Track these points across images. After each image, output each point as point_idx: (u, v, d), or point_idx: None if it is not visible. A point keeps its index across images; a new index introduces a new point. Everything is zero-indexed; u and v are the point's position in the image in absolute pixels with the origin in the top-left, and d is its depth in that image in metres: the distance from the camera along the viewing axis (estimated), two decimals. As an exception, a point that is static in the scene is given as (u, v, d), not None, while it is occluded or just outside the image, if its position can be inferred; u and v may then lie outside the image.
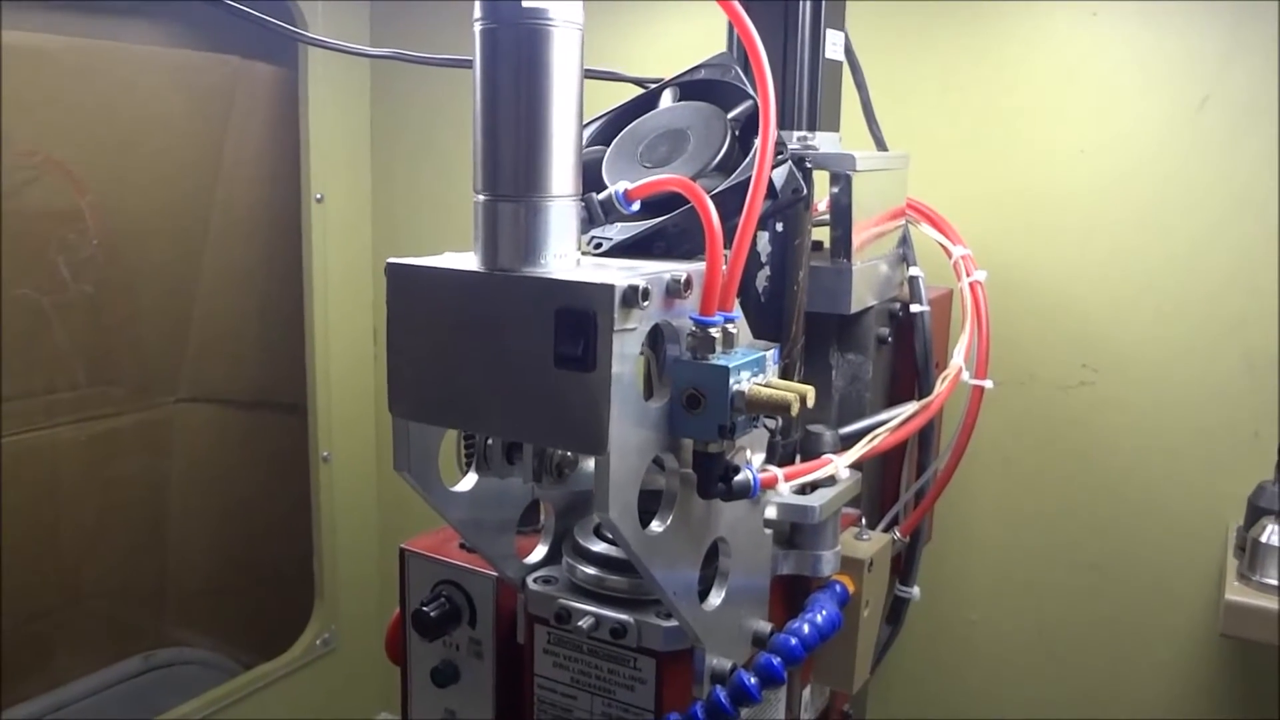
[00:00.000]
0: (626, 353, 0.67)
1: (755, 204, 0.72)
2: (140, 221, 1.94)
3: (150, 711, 1.83)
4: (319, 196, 1.88)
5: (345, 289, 1.97)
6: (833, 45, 1.05)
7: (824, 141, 1.04)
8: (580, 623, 0.84)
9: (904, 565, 1.24)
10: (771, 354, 0.76)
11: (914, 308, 1.18)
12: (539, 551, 0.93)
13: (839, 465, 0.86)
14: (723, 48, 1.00)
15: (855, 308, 1.07)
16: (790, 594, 0.97)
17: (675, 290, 0.70)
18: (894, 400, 1.22)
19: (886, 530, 1.16)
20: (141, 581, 2.09)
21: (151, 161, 1.93)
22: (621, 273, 0.69)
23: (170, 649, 2.15)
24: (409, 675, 1.01)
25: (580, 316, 0.66)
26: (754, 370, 0.73)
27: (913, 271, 1.19)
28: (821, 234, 1.11)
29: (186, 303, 2.05)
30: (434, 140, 1.92)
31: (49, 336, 1.86)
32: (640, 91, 0.94)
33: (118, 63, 1.89)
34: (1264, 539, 1.15)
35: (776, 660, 0.83)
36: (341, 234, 1.95)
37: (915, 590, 1.25)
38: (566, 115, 0.69)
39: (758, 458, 0.84)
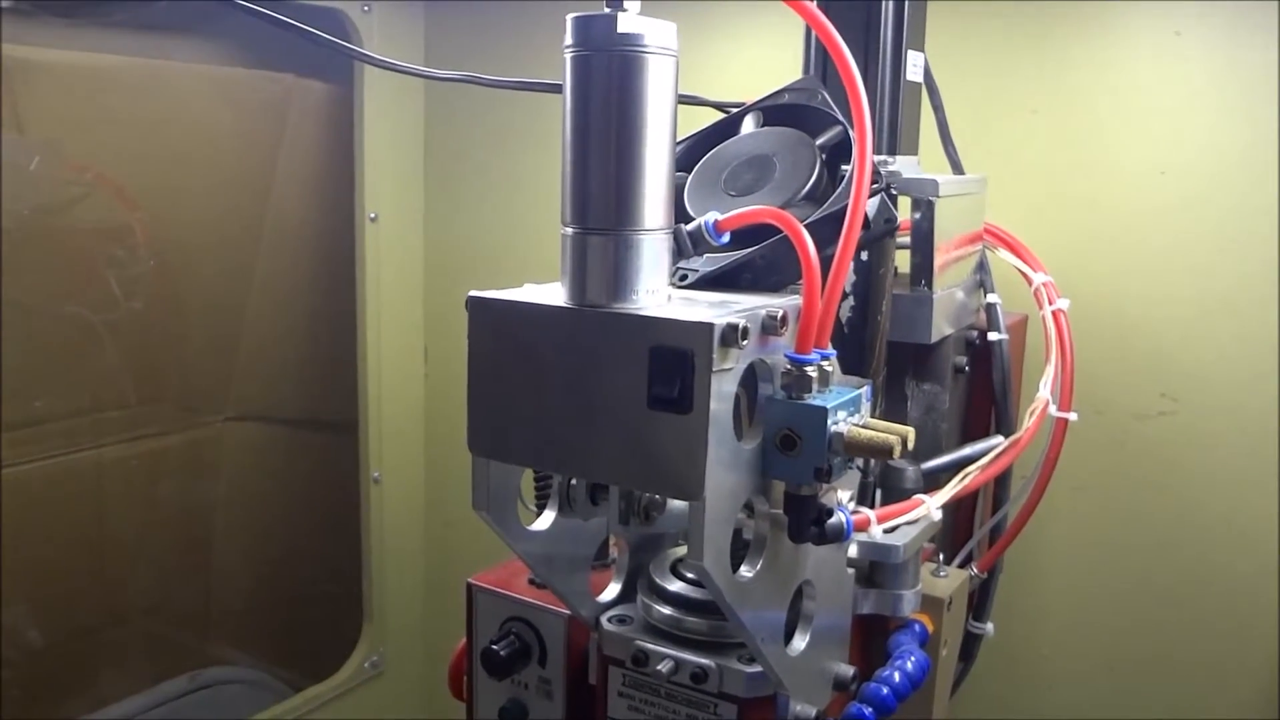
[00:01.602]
0: (723, 393, 0.64)
1: (852, 236, 0.69)
2: (191, 239, 1.94)
3: (197, 732, 1.82)
4: (372, 216, 1.87)
5: (397, 309, 1.95)
6: (913, 67, 1.02)
7: (904, 166, 1.01)
8: (659, 666, 0.81)
9: (979, 601, 1.20)
10: (865, 391, 0.73)
11: (992, 336, 1.14)
12: (612, 589, 0.91)
13: (931, 507, 0.83)
14: (797, 73, 0.98)
15: (934, 337, 1.04)
16: (867, 633, 0.94)
17: (771, 327, 0.68)
18: (969, 431, 1.18)
19: (962, 565, 1.12)
20: (187, 600, 2.08)
21: (203, 179, 1.92)
22: (716, 309, 0.66)
23: (216, 668, 2.13)
24: (475, 713, 0.99)
25: (677, 356, 0.63)
26: (850, 410, 0.70)
27: (990, 298, 1.15)
28: (897, 259, 1.08)
29: (236, 321, 2.04)
30: (488, 159, 1.90)
31: (99, 354, 1.86)
32: (721, 116, 0.91)
33: (170, 81, 1.88)
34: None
35: (868, 711, 0.80)
36: (394, 254, 1.93)
37: (989, 626, 1.21)
38: (660, 146, 0.67)
39: (845, 495, 0.81)
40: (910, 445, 0.69)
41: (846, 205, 0.70)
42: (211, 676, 2.12)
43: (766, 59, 1.56)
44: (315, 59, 1.93)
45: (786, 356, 0.69)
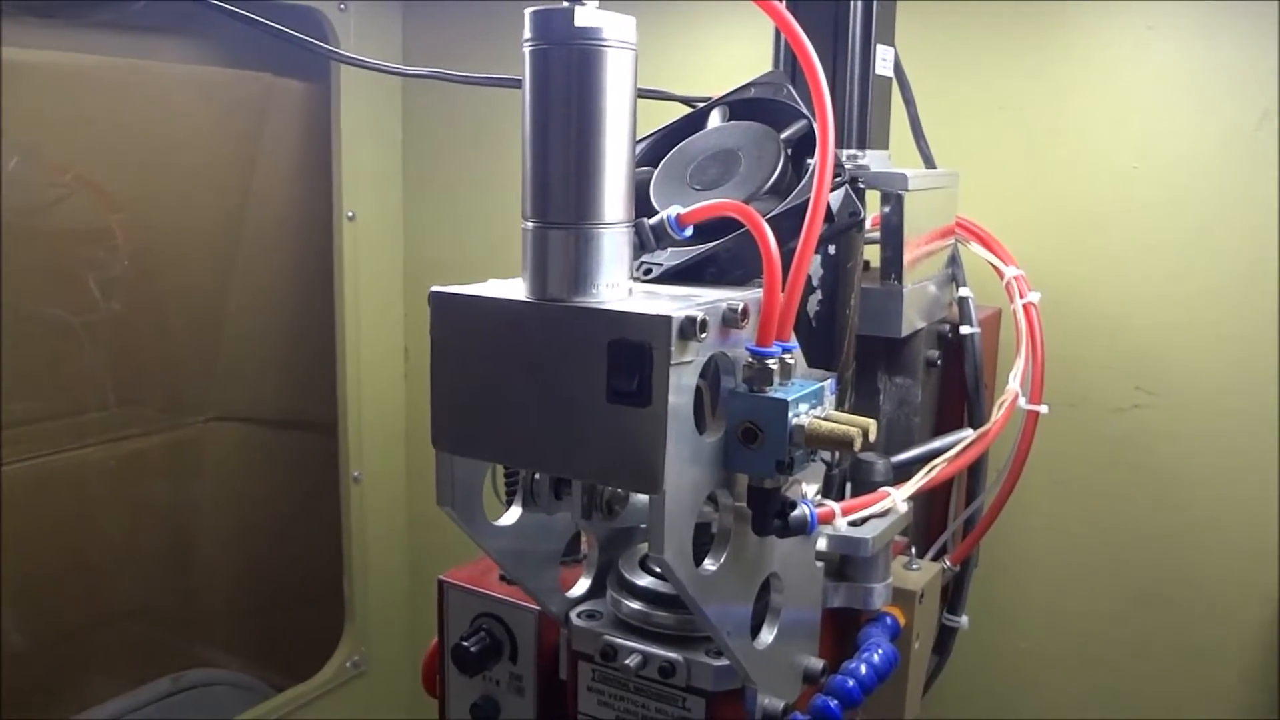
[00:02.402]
0: (683, 386, 0.64)
1: (814, 230, 0.69)
2: (171, 239, 1.93)
3: (181, 733, 1.81)
4: (351, 214, 1.86)
5: (376, 307, 1.95)
6: (883, 61, 1.02)
7: (874, 160, 1.01)
8: (627, 660, 0.81)
9: (953, 594, 1.20)
10: (829, 384, 0.73)
11: (964, 329, 1.14)
12: (582, 584, 0.91)
13: (897, 499, 0.83)
14: (768, 66, 0.98)
15: (905, 331, 1.04)
16: (838, 627, 0.94)
17: (732, 320, 0.68)
18: (942, 424, 1.19)
19: (935, 559, 1.12)
20: (170, 602, 2.07)
21: (183, 179, 1.92)
22: (676, 302, 0.66)
23: (199, 670, 2.12)
24: (447, 710, 0.99)
25: (635, 349, 0.63)
26: (812, 402, 0.70)
27: (962, 292, 1.16)
28: (869, 253, 1.08)
29: (216, 321, 2.04)
30: (466, 157, 1.90)
31: (79, 356, 1.85)
32: (687, 111, 0.91)
33: (149, 81, 1.88)
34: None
35: (834, 703, 0.80)
36: (373, 252, 1.93)
37: (964, 619, 1.21)
38: (619, 140, 0.67)
39: (811, 489, 0.81)
40: (872, 437, 0.69)
41: (809, 198, 0.70)
42: (194, 678, 2.11)
43: (738, 59, 1.56)
44: (293, 58, 1.92)
45: (748, 349, 0.69)
